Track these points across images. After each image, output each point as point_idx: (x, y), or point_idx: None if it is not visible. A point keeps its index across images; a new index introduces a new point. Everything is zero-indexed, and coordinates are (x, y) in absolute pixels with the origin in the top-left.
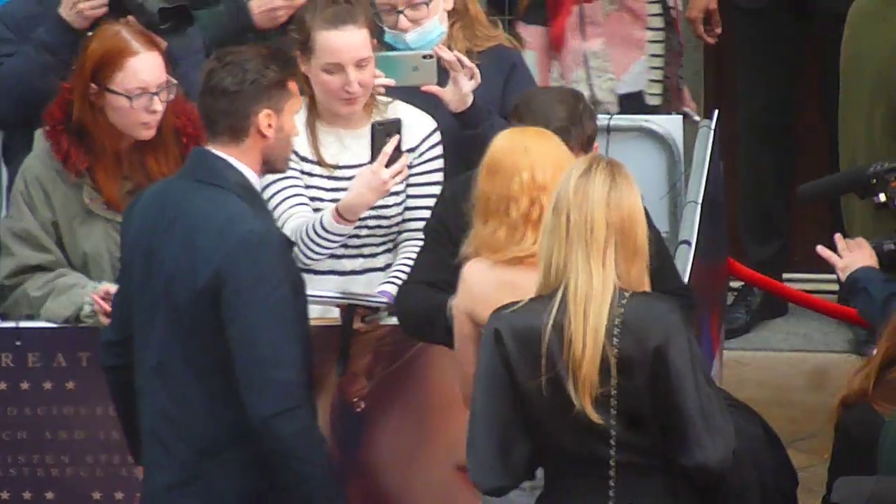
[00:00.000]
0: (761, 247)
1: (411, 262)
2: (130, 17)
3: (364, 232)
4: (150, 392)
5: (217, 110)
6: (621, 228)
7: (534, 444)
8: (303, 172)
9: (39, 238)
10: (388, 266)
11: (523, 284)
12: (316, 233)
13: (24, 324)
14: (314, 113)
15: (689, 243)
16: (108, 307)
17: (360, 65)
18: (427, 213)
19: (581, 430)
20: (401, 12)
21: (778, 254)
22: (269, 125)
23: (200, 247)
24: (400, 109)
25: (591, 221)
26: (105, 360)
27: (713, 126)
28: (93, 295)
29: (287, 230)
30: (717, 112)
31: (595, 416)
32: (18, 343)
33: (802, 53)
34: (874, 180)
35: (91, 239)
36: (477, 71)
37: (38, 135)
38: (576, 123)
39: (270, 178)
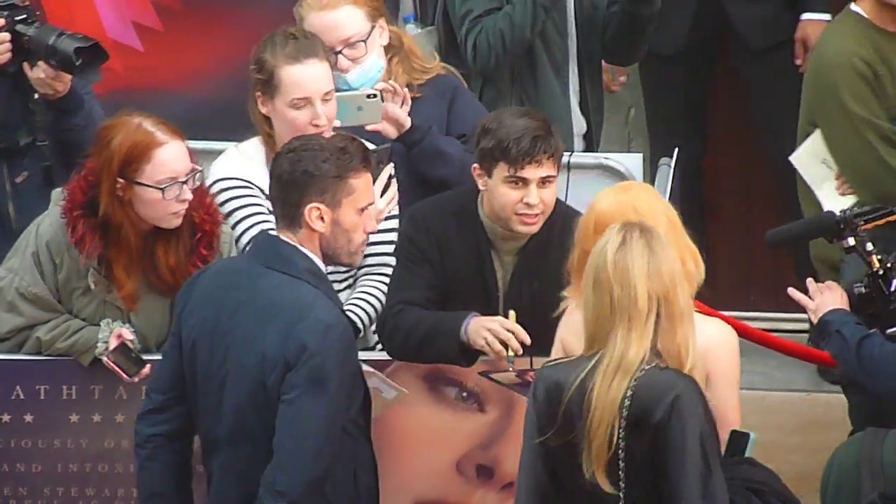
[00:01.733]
0: None
1: (368, 294)
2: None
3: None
4: (222, 459)
5: (273, 197)
6: (664, 296)
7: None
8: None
9: (51, 302)
10: None
11: None
12: None
13: None
14: (272, 151)
15: None
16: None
17: (325, 98)
18: (384, 247)
19: (592, 496)
20: (339, 52)
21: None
22: (321, 218)
23: (270, 332)
24: None
25: (635, 296)
26: (146, 429)
27: (673, 164)
28: (114, 334)
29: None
30: (676, 150)
31: (606, 486)
32: None
33: (709, 96)
34: (842, 225)
35: (87, 310)
36: (409, 97)
37: (56, 197)
38: (552, 133)
39: (242, 212)
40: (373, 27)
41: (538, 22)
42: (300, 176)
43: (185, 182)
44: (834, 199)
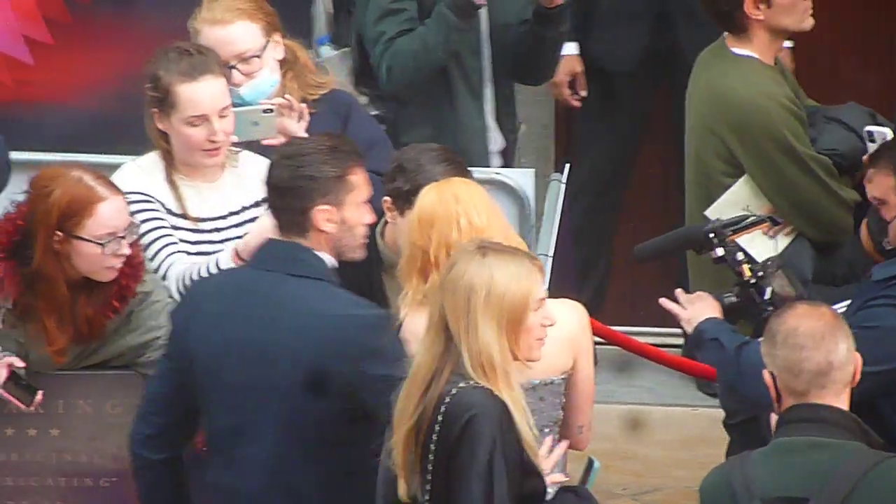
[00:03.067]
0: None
1: None
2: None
3: None
4: (259, 473)
5: (276, 207)
6: (452, 311)
7: None
8: (171, 226)
9: None
10: None
11: None
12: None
13: None
14: (171, 167)
15: None
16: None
17: (222, 114)
18: None
19: None
20: (233, 67)
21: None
22: (328, 220)
23: (319, 338)
24: (249, 159)
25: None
26: (150, 454)
27: (564, 180)
28: (1, 364)
29: (171, 276)
30: (568, 166)
31: (402, 491)
32: None
33: (651, 110)
34: (712, 235)
35: None
36: (306, 111)
37: None
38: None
39: (146, 227)
40: (267, 42)
41: (451, 42)
42: (303, 181)
43: (123, 237)
44: (759, 245)
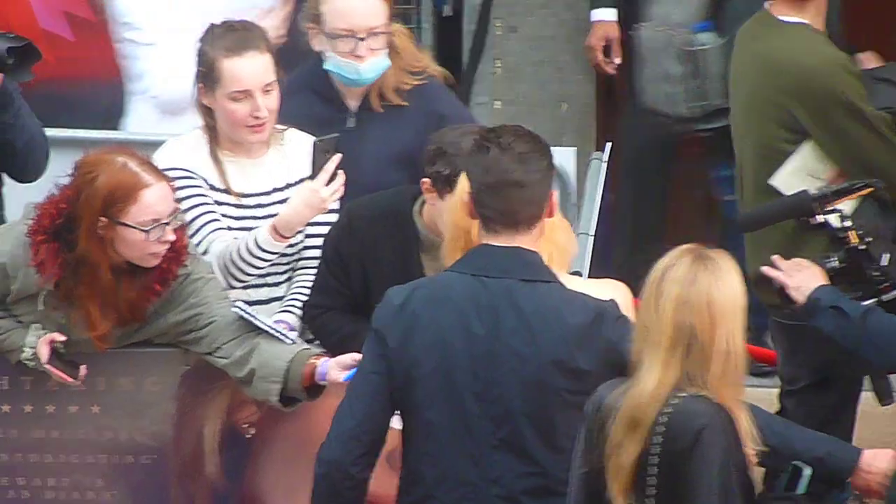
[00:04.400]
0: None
1: (306, 292)
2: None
3: (274, 259)
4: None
5: (521, 201)
6: (695, 328)
7: None
8: (214, 202)
9: None
10: None
11: None
12: (250, 252)
13: None
14: (215, 143)
15: (580, 274)
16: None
17: (266, 90)
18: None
19: None
20: (362, 39)
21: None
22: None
23: (578, 339)
24: (295, 136)
25: (664, 322)
26: (361, 473)
27: (605, 159)
28: (43, 341)
29: (213, 253)
30: (609, 145)
31: None
32: None
33: None
34: (815, 202)
35: (27, 317)
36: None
37: (27, 211)
38: None
39: (188, 203)
40: (388, 24)
41: None
42: (546, 173)
43: (167, 223)
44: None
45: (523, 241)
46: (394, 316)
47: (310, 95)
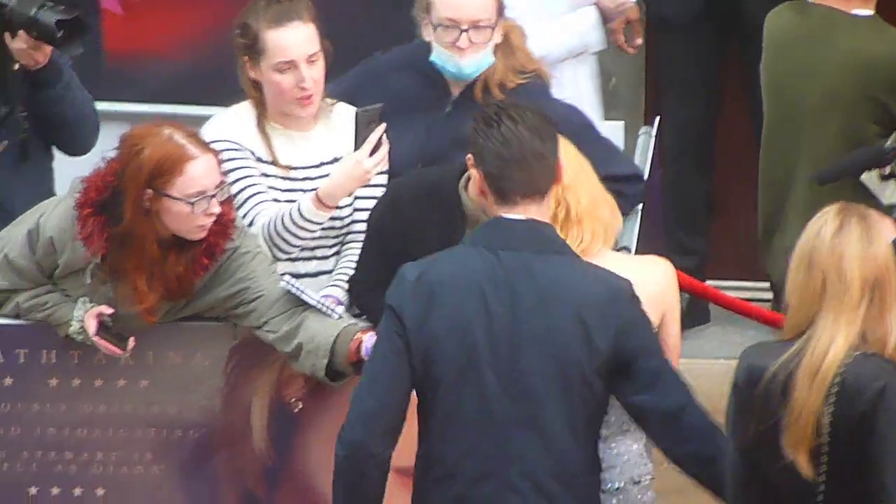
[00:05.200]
0: (682, 256)
1: (353, 266)
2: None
3: (318, 233)
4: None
5: (541, 171)
6: (878, 283)
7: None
8: (261, 174)
9: (35, 276)
10: None
11: None
12: (294, 222)
13: None
14: (263, 115)
15: (628, 249)
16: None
17: (311, 60)
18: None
19: (790, 483)
20: (465, 31)
21: (698, 265)
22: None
23: (592, 316)
24: (344, 110)
25: (849, 282)
26: (384, 451)
27: (654, 133)
28: (90, 314)
29: (258, 226)
30: (657, 119)
31: (808, 471)
32: None
33: (724, 68)
34: (890, 153)
35: (76, 291)
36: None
37: (74, 186)
38: None
39: (234, 176)
40: (497, 20)
41: None
42: (556, 142)
43: (213, 196)
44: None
45: (539, 211)
46: (410, 293)
47: (414, 74)
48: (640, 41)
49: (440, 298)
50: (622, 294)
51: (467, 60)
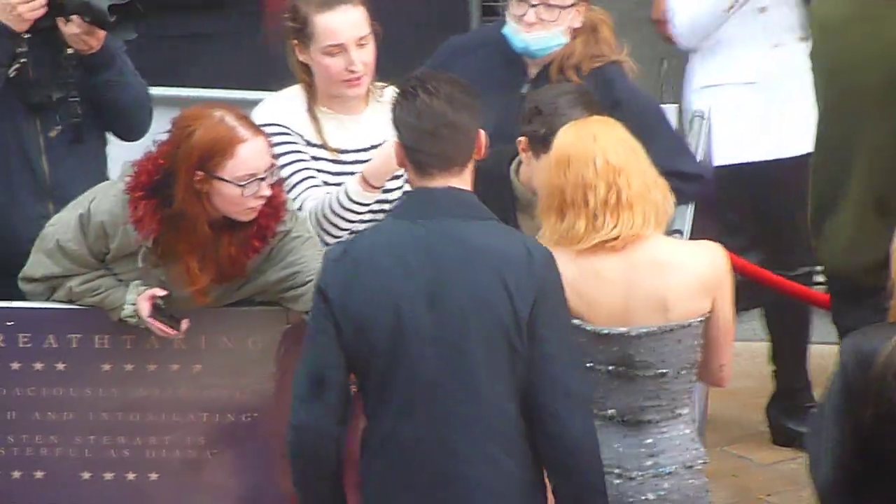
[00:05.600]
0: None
1: None
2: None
3: (367, 216)
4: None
5: (456, 143)
6: None
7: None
8: (311, 157)
9: (87, 261)
10: None
11: (607, 270)
12: (341, 205)
13: (15, 304)
14: (313, 99)
15: (681, 233)
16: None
17: (360, 43)
18: None
19: None
20: (535, 6)
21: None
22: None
23: (514, 278)
24: (394, 93)
25: None
26: (334, 428)
27: (706, 115)
28: (143, 297)
29: (307, 210)
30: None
31: None
32: (10, 323)
33: None
34: None
35: (128, 275)
36: None
37: (125, 169)
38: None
39: (283, 160)
40: (574, 4)
41: None
42: (475, 113)
43: (264, 178)
44: None
45: (457, 182)
46: (332, 271)
47: (494, 53)
48: None
49: (364, 271)
50: (535, 255)
51: (534, 37)
